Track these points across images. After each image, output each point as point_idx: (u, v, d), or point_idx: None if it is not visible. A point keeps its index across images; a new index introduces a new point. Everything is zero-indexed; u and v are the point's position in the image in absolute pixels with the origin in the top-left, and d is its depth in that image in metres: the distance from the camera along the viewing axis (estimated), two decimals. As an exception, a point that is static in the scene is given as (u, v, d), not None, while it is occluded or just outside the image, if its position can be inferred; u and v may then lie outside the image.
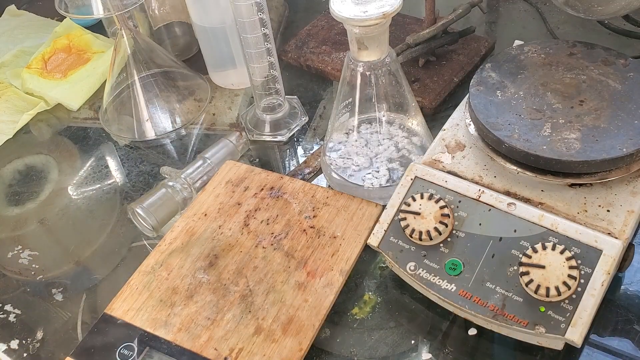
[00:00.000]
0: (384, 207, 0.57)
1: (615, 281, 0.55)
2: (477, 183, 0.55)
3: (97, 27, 0.95)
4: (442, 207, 0.52)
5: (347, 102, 0.61)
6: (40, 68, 0.88)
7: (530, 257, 0.48)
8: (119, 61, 0.79)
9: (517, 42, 0.65)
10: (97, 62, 0.88)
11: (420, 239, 0.52)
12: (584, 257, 0.48)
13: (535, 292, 0.47)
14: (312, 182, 0.68)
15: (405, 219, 0.53)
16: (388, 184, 0.61)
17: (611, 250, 0.48)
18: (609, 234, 0.49)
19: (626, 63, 0.58)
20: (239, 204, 0.63)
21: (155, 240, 0.65)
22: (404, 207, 0.54)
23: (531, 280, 0.47)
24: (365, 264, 0.60)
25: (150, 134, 0.78)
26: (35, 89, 0.85)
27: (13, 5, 1.03)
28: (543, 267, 0.47)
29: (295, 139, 0.75)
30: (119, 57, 0.78)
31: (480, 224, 0.52)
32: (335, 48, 0.82)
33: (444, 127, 0.60)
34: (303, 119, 0.76)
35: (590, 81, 0.57)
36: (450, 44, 0.77)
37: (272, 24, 0.70)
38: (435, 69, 0.76)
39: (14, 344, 0.59)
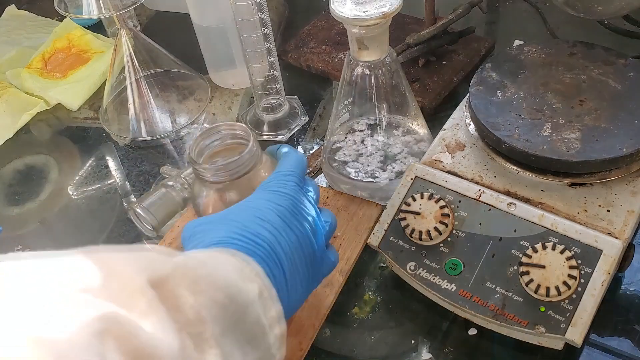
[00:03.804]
0: (384, 207, 0.57)
1: (616, 281, 0.55)
2: (477, 183, 0.55)
3: (97, 27, 0.95)
4: (442, 207, 0.52)
5: (347, 102, 0.61)
6: (40, 68, 0.88)
7: (530, 257, 0.48)
8: (119, 61, 0.79)
9: (517, 42, 0.65)
10: (97, 62, 0.88)
11: (421, 239, 0.52)
12: (584, 257, 0.48)
13: (536, 292, 0.47)
14: (312, 182, 0.68)
15: (405, 218, 0.53)
16: (387, 184, 0.61)
17: (611, 250, 0.48)
18: (609, 233, 0.49)
19: (626, 63, 0.58)
20: (239, 204, 0.63)
21: (156, 240, 0.65)
22: (404, 207, 0.54)
23: (531, 280, 0.47)
24: (365, 264, 0.59)
25: (151, 134, 0.78)
26: (35, 88, 0.85)
27: (13, 5, 1.03)
28: (543, 267, 0.47)
29: (295, 139, 0.75)
30: (119, 57, 0.78)
31: (480, 224, 0.52)
32: (335, 48, 0.82)
33: (444, 127, 0.60)
34: (303, 119, 0.76)
35: (590, 81, 0.57)
36: (450, 44, 0.77)
37: (272, 23, 0.70)
38: (436, 69, 0.76)
39: (14, 343, 0.59)
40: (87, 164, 0.77)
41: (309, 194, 0.47)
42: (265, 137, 0.74)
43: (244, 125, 0.53)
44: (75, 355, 0.24)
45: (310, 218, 0.45)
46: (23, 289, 0.27)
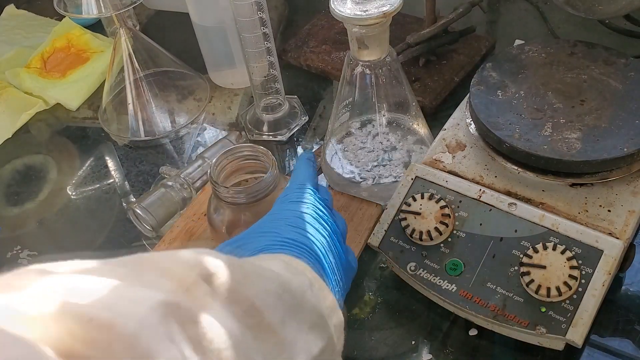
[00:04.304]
0: (384, 207, 0.57)
1: (616, 281, 0.55)
2: (477, 183, 0.54)
3: (96, 26, 0.95)
4: (442, 207, 0.52)
5: (347, 101, 0.61)
6: (40, 67, 0.87)
7: (531, 257, 0.48)
8: (118, 60, 0.78)
9: (518, 42, 0.65)
10: (96, 61, 0.87)
11: (421, 239, 0.52)
12: (585, 257, 0.48)
13: (536, 292, 0.47)
14: (312, 182, 0.68)
15: (405, 219, 0.53)
16: (388, 184, 0.61)
17: (612, 250, 0.48)
18: (609, 234, 0.49)
19: (627, 62, 0.58)
20: (238, 204, 0.63)
21: (155, 240, 0.65)
22: (404, 207, 0.53)
23: (532, 281, 0.47)
24: (366, 264, 0.59)
25: (150, 134, 0.78)
26: (34, 88, 0.85)
27: (12, 5, 1.03)
28: (544, 267, 0.47)
29: (295, 139, 0.74)
30: (118, 57, 0.78)
31: (481, 224, 0.52)
32: (335, 47, 0.82)
33: (445, 126, 0.60)
34: (303, 118, 0.76)
35: (591, 81, 0.57)
36: (450, 43, 0.77)
37: (272, 23, 0.70)
38: (436, 69, 0.76)
39: (13, 344, 0.59)
40: (86, 164, 0.77)
41: (324, 200, 0.49)
42: (265, 137, 0.74)
43: (266, 149, 0.55)
44: (147, 336, 0.25)
45: (330, 222, 0.47)
46: (88, 285, 0.27)
